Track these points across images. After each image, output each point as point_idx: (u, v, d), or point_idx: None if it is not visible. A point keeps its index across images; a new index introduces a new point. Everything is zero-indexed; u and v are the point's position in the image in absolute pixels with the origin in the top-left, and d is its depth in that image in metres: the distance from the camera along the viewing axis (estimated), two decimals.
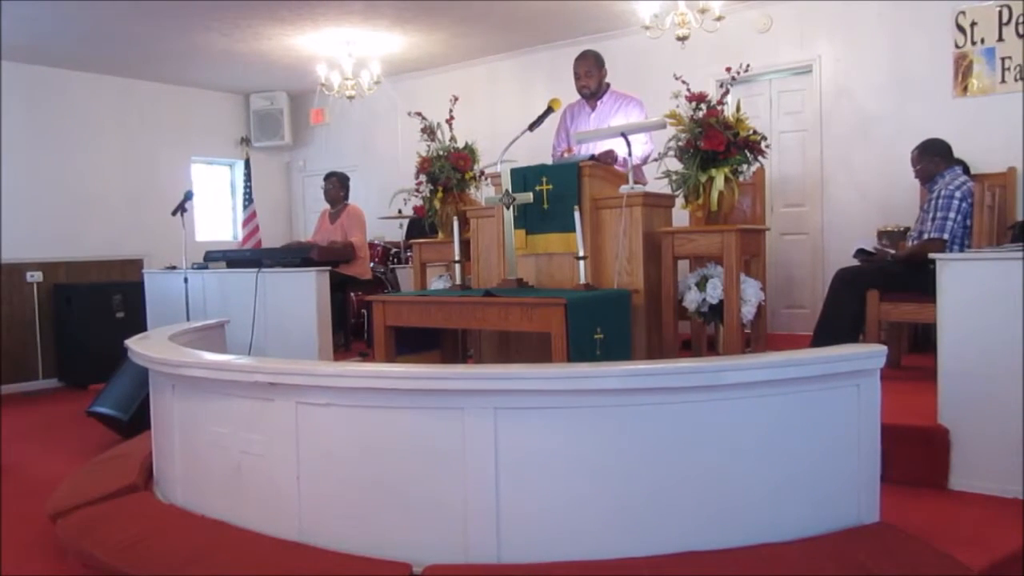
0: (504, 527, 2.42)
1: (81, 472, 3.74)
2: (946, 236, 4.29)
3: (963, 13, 5.48)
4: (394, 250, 7.78)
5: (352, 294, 6.65)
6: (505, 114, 7.47)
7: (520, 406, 2.40)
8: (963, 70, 5.51)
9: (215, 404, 2.92)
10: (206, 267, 5.99)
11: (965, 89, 5.52)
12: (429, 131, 4.74)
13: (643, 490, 2.40)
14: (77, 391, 6.96)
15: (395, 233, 7.88)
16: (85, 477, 3.61)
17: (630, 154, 4.15)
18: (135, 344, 3.44)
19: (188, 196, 5.79)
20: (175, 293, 5.83)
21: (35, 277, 7.30)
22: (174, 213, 5.61)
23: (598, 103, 4.75)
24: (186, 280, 5.61)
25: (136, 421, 4.60)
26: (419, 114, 4.77)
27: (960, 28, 5.50)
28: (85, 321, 7.14)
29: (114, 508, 3.13)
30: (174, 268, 6.20)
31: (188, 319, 5.36)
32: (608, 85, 4.78)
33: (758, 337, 4.05)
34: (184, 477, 3.13)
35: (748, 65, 4.02)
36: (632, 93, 4.87)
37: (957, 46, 5.52)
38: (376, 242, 7.65)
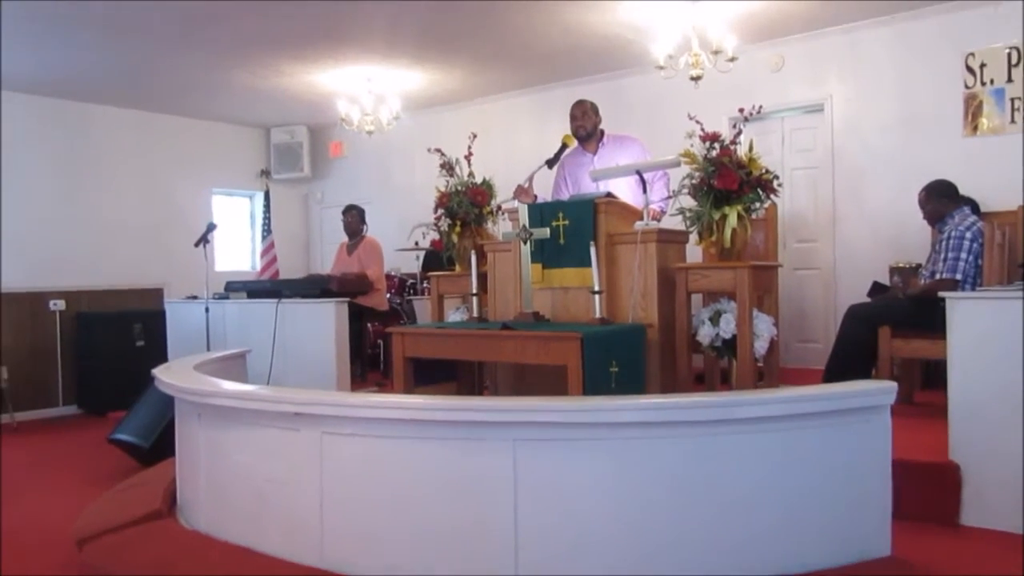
0: (523, 555, 2.46)
1: (105, 498, 3.81)
2: (958, 276, 4.34)
3: (972, 55, 5.59)
4: (410, 281, 7.88)
5: (369, 325, 6.73)
6: (521, 149, 7.60)
7: (539, 438, 2.46)
8: (973, 110, 5.61)
9: (241, 433, 3.00)
10: (227, 297, 6.10)
11: (975, 128, 5.61)
12: (448, 167, 4.86)
13: (658, 521, 2.45)
14: (96, 418, 7.05)
15: (411, 265, 7.99)
16: (109, 503, 3.68)
17: (645, 190, 4.25)
18: (162, 373, 3.53)
19: (211, 228, 5.92)
20: (196, 322, 5.93)
21: (58, 305, 7.42)
22: (197, 244, 5.74)
23: (599, 147, 4.86)
24: (207, 310, 5.71)
25: (157, 449, 4.66)
26: (439, 150, 4.89)
27: (970, 69, 5.60)
28: (106, 349, 7.24)
29: (139, 534, 3.20)
30: (195, 298, 6.31)
31: (208, 348, 5.45)
32: (603, 131, 4.90)
33: (771, 371, 4.10)
34: (208, 504, 3.20)
35: (760, 106, 4.11)
36: (625, 132, 5.01)
37: (967, 86, 5.63)
38: (392, 273, 7.75)
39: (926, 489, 3.18)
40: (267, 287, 6.21)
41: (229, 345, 5.51)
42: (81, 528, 3.34)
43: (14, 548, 3.57)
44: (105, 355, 7.22)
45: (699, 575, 2.44)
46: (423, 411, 2.56)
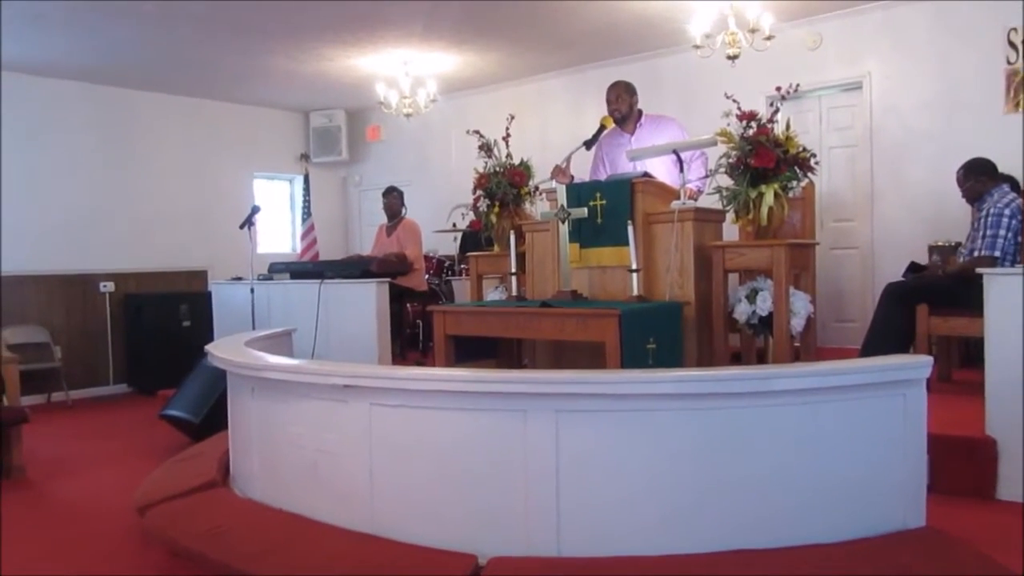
0: (564, 522, 2.56)
1: (162, 469, 3.99)
2: (997, 253, 4.33)
3: (1015, 30, 5.51)
4: (448, 263, 7.99)
5: (408, 305, 6.85)
6: (556, 131, 7.65)
7: (580, 409, 2.55)
8: (1015, 86, 5.54)
9: (292, 405, 3.12)
10: (271, 278, 6.25)
11: (1016, 105, 5.54)
12: (487, 148, 4.94)
13: (697, 490, 2.53)
14: (145, 396, 7.29)
15: (449, 246, 8.09)
16: (166, 474, 3.85)
17: (682, 170, 4.29)
18: (215, 349, 3.68)
19: (255, 210, 6.05)
20: (241, 303, 6.09)
21: (108, 287, 7.67)
22: (242, 227, 5.88)
23: (636, 128, 4.90)
24: (252, 291, 5.86)
25: (206, 424, 4.84)
26: (477, 132, 4.97)
27: (1012, 45, 5.53)
28: (154, 329, 7.49)
29: (197, 502, 3.36)
30: (240, 279, 6.47)
31: (254, 328, 5.60)
32: (641, 111, 4.94)
33: (807, 349, 4.14)
34: (262, 473, 3.34)
35: (797, 85, 4.13)
36: (664, 113, 5.04)
37: (1009, 63, 5.56)
38: (430, 255, 7.86)
39: (963, 463, 3.22)
40: (309, 268, 6.35)
41: (273, 325, 5.65)
42: (142, 496, 3.51)
43: (78, 516, 3.77)
44: (153, 335, 7.47)
45: (736, 542, 2.52)
46: (468, 383, 2.66)
